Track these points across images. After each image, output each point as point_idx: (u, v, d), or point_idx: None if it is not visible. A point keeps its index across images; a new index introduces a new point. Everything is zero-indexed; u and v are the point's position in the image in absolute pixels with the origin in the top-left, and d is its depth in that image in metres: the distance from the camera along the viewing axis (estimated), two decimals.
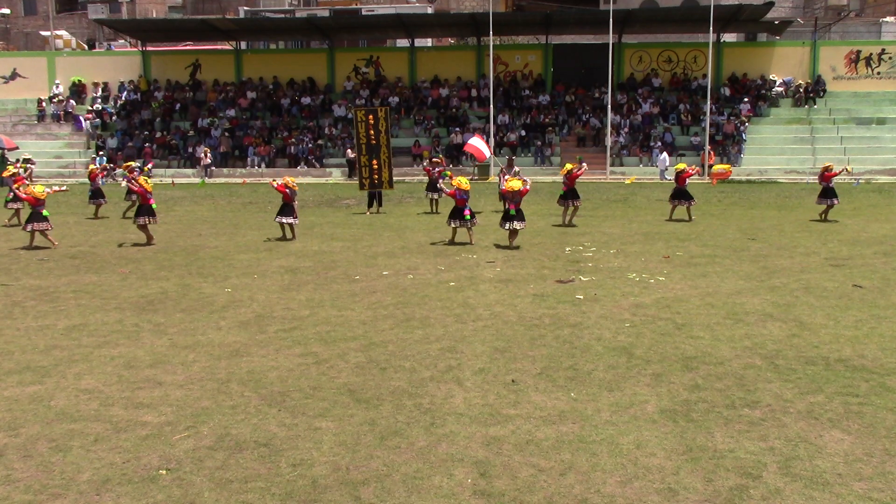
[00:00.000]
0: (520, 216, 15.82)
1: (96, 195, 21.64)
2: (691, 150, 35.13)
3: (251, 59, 41.11)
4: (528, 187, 16.07)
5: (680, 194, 19.71)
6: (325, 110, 38.51)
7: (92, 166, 23.59)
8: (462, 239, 16.41)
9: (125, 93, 39.94)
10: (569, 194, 19.11)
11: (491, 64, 35.98)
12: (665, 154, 33.97)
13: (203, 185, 31.24)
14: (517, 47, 42.30)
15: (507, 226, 15.77)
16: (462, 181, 16.30)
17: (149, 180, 17.25)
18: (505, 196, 16.32)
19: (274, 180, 17.12)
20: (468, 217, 16.03)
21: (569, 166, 19.64)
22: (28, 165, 32.38)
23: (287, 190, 16.90)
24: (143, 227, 16.61)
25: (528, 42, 43.33)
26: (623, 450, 6.17)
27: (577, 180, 19.21)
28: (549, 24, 38.39)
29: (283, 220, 16.91)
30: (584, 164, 20.63)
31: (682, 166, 20.12)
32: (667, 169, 33.08)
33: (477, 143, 24.40)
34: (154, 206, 16.96)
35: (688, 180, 19.76)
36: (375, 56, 40.50)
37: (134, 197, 20.99)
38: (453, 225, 16.18)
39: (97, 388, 7.68)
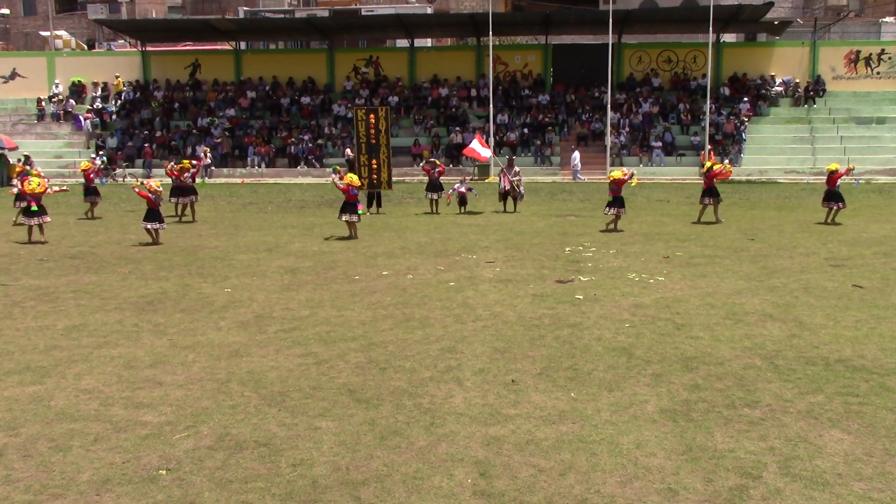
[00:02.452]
0: (618, 202, 17.99)
1: (181, 192, 20.73)
2: (691, 149, 35.13)
3: (251, 59, 41.10)
4: (627, 177, 18.23)
5: (833, 196, 19.03)
6: (324, 110, 38.51)
7: (170, 164, 21.96)
8: (352, 233, 17.23)
9: (124, 93, 39.93)
10: (709, 192, 19.22)
11: (490, 64, 35.99)
12: (577, 153, 33.59)
13: (203, 185, 31.22)
14: (517, 47, 42.30)
15: (607, 210, 18.16)
16: (353, 178, 17.26)
17: (32, 182, 17.20)
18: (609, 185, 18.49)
19: (138, 184, 17.30)
20: (361, 212, 17.20)
21: (709, 164, 19.84)
22: (28, 167, 32.49)
23: (150, 195, 16.69)
24: (30, 229, 16.92)
25: (528, 42, 43.34)
26: (623, 450, 6.17)
27: (714, 179, 19.26)
28: (549, 24, 38.40)
29: (149, 226, 16.66)
30: (728, 164, 20.85)
31: (834, 167, 19.42)
32: (579, 169, 32.88)
33: (475, 146, 24.40)
34: (35, 208, 16.83)
35: (839, 181, 19.10)
36: (375, 56, 40.50)
37: (195, 197, 20.76)
38: (344, 219, 17.10)
39: (97, 388, 7.68)
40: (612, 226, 18.19)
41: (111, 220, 20.84)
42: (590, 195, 26.43)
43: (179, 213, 20.79)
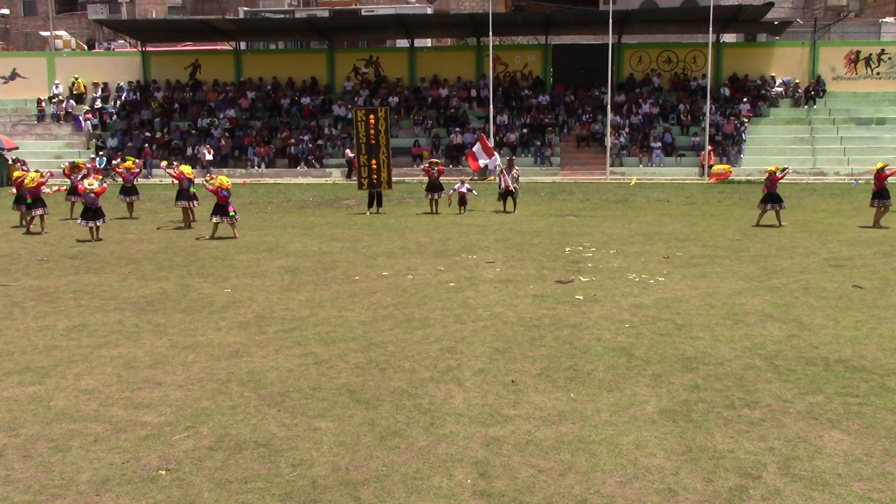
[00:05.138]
0: (772, 198, 18.48)
1: (180, 196, 19.77)
2: (691, 150, 35.13)
3: (251, 60, 41.09)
4: (780, 174, 18.66)
5: (882, 194, 18.60)
6: (324, 110, 38.50)
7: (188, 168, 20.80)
8: (226, 234, 17.44)
9: (124, 93, 39.92)
10: (879, 194, 18.72)
11: (490, 64, 35.98)
12: (497, 156, 32.41)
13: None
14: (517, 48, 42.28)
15: (761, 206, 18.75)
16: (224, 180, 17.51)
17: (27, 177, 18.70)
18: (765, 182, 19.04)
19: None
20: (232, 213, 17.36)
21: (879, 165, 19.33)
22: (24, 167, 32.52)
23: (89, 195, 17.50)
24: (39, 219, 18.49)
25: (528, 42, 43.32)
26: (623, 450, 6.18)
27: (886, 180, 18.75)
28: (549, 24, 38.39)
29: (87, 224, 17.31)
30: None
31: (880, 165, 19.00)
32: (497, 171, 31.54)
33: (478, 150, 24.39)
34: (30, 200, 18.35)
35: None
36: (375, 56, 40.49)
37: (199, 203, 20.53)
38: (215, 220, 17.37)
39: (97, 388, 7.68)
40: (774, 222, 18.47)
41: (110, 221, 20.80)
42: (589, 195, 26.45)
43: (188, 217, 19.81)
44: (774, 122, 36.51)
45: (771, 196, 18.61)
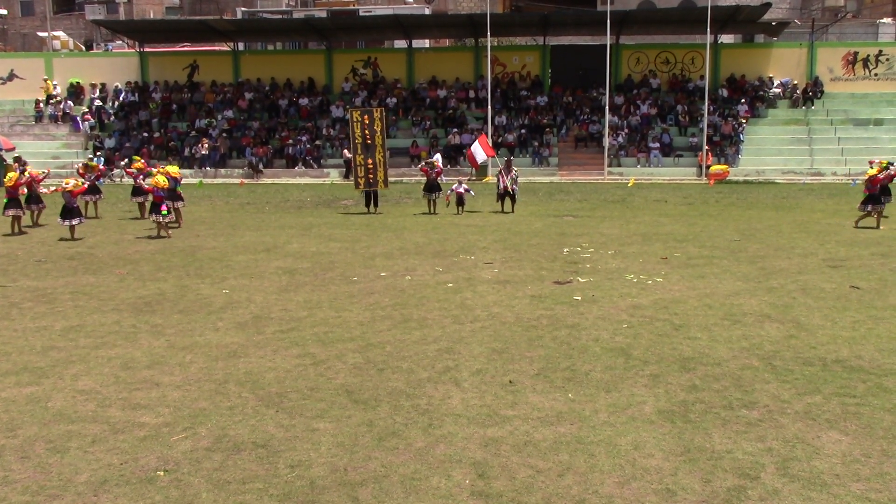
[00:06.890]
0: (872, 199, 18.14)
1: (168, 197, 20.16)
2: (689, 150, 35.15)
3: (249, 60, 41.08)
4: (883, 175, 18.05)
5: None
6: (323, 111, 38.50)
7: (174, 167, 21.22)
8: (161, 233, 17.77)
9: (122, 94, 39.88)
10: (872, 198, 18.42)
11: (489, 65, 35.99)
12: (439, 154, 31.82)
13: (201, 185, 31.27)
14: (515, 48, 42.31)
15: (862, 208, 18.36)
16: (160, 180, 17.73)
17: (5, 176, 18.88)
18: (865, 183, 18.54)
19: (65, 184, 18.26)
20: (165, 213, 17.60)
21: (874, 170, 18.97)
22: (22, 167, 32.49)
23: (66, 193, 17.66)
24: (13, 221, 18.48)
25: (526, 43, 43.33)
26: (621, 450, 6.18)
27: None
28: (547, 25, 38.41)
29: (64, 223, 17.50)
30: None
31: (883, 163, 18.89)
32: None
33: (475, 149, 24.40)
34: (6, 200, 18.39)
35: None
36: (373, 57, 40.50)
37: (144, 198, 20.70)
38: (153, 219, 17.86)
39: (94, 389, 7.67)
40: (873, 224, 18.12)
41: (109, 221, 20.83)
42: (588, 195, 26.45)
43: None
44: (772, 123, 36.55)
45: (872, 197, 18.13)
